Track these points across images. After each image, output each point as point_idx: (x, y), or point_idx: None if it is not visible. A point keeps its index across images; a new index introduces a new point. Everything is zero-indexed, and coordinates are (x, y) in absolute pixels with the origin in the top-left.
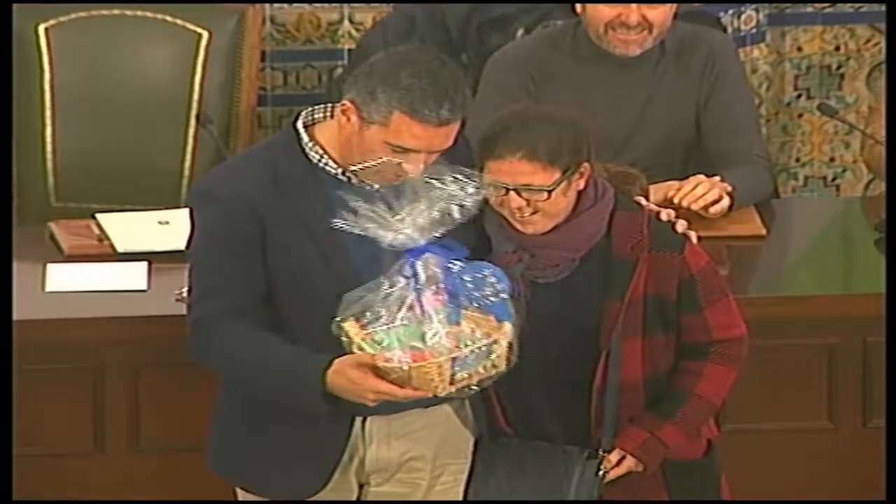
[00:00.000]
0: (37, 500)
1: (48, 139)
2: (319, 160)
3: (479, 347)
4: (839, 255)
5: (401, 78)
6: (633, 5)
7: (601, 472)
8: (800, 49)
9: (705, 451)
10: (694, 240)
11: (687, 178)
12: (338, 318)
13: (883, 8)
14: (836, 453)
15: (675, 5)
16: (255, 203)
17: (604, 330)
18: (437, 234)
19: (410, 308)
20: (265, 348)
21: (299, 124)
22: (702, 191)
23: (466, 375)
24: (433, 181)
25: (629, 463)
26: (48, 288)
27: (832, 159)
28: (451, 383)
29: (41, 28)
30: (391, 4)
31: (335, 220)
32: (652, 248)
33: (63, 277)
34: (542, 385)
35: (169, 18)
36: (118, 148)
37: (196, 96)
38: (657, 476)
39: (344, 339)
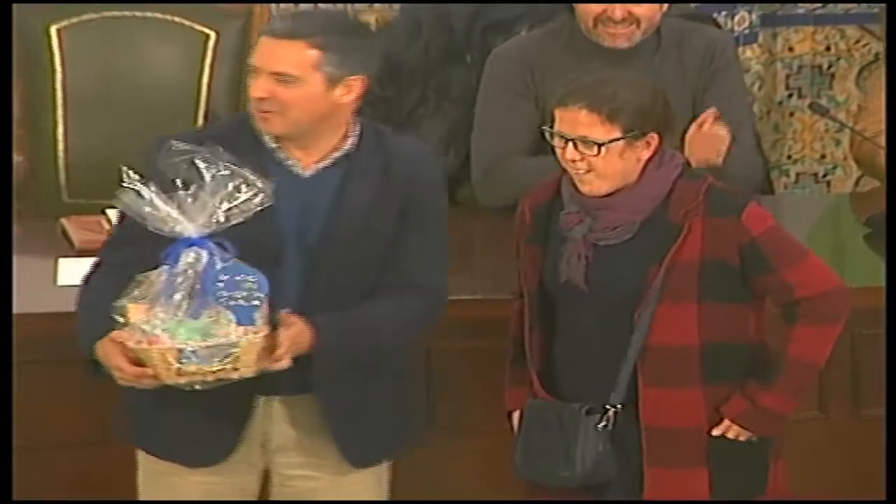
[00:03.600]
0: (43, 493)
1: (60, 137)
2: None
3: (213, 345)
4: (830, 250)
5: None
6: None
7: (602, 425)
8: (791, 49)
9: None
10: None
11: None
12: (122, 300)
13: (873, 10)
14: (826, 443)
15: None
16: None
17: (641, 294)
18: (212, 232)
19: (169, 296)
20: (100, 302)
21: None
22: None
23: (195, 369)
24: (225, 182)
25: (735, 430)
26: (60, 282)
27: (823, 156)
28: (179, 374)
29: (53, 29)
30: (394, 7)
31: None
32: (707, 213)
33: (74, 271)
34: (595, 346)
35: (177, 19)
36: (128, 146)
37: (204, 95)
38: (700, 448)
39: (121, 318)
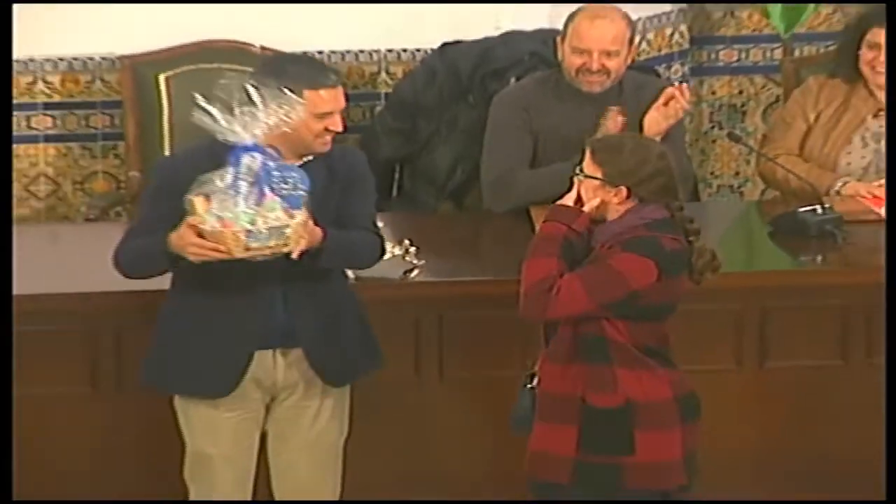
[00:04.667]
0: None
1: None
2: None
3: (272, 227)
4: (742, 243)
5: (288, 70)
6: (595, 52)
7: (529, 387)
8: (714, 93)
9: (622, 403)
10: None
11: None
12: (190, 195)
13: (776, 61)
14: (739, 390)
15: (627, 58)
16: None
17: None
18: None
19: (234, 186)
20: (139, 244)
21: None
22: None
23: (258, 246)
24: (267, 102)
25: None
26: None
27: (737, 173)
28: (247, 249)
29: (161, 77)
30: (418, 59)
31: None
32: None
33: None
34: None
35: (249, 69)
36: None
37: None
38: (574, 418)
39: (189, 209)
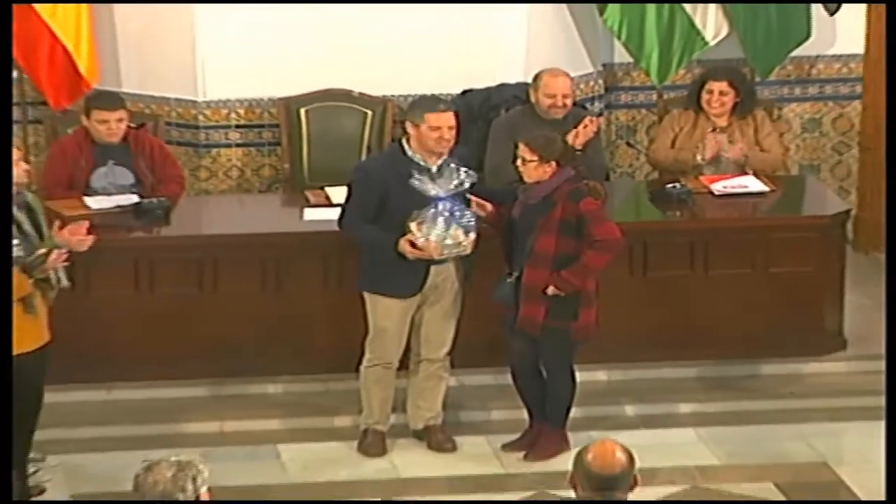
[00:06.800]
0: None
1: (305, 158)
2: (413, 155)
3: (456, 243)
4: (633, 204)
5: (415, 104)
6: (559, 95)
7: (510, 280)
8: (617, 118)
9: (572, 292)
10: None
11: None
12: (409, 222)
13: (653, 98)
14: (632, 289)
15: (573, 97)
16: (384, 175)
17: (536, 228)
18: (452, 194)
19: (434, 220)
20: (372, 233)
21: (403, 140)
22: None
23: (448, 253)
24: (451, 169)
25: (553, 290)
26: (305, 218)
27: (631, 165)
28: (441, 254)
29: (302, 110)
30: (449, 99)
31: (412, 181)
32: (567, 199)
33: (310, 214)
34: (519, 249)
35: (355, 106)
36: (336, 165)
37: (366, 139)
38: (543, 301)
39: (408, 230)
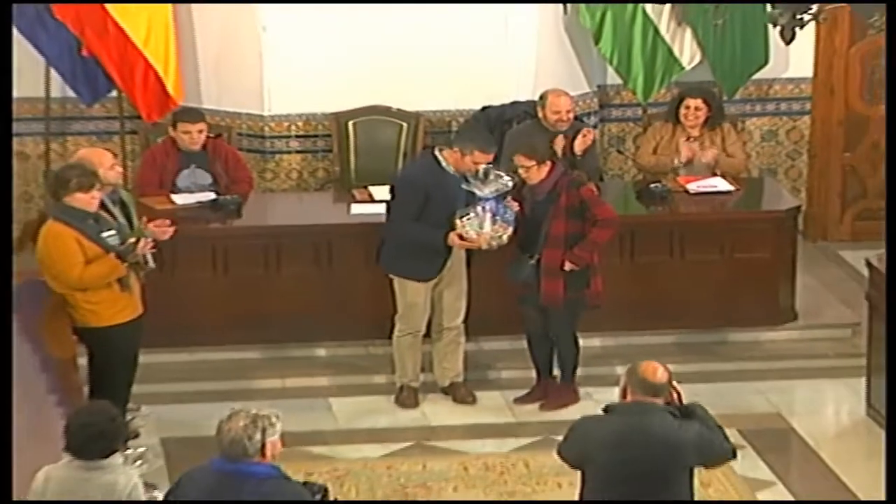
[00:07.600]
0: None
1: (352, 161)
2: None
3: (499, 235)
4: (622, 200)
5: (470, 139)
6: (563, 111)
7: (532, 262)
8: (610, 130)
9: (585, 266)
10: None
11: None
12: (456, 219)
13: (639, 114)
14: (622, 271)
15: (573, 112)
16: (425, 182)
17: (549, 216)
18: (494, 194)
19: (482, 217)
20: (422, 229)
21: (436, 152)
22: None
23: (495, 244)
24: (494, 175)
25: (569, 265)
26: (351, 212)
27: (621, 168)
28: (488, 244)
29: (350, 123)
30: (470, 114)
31: (462, 186)
32: (568, 188)
33: (356, 209)
34: (532, 234)
35: (393, 120)
36: (377, 168)
37: (402, 150)
38: (562, 276)
39: (455, 226)
